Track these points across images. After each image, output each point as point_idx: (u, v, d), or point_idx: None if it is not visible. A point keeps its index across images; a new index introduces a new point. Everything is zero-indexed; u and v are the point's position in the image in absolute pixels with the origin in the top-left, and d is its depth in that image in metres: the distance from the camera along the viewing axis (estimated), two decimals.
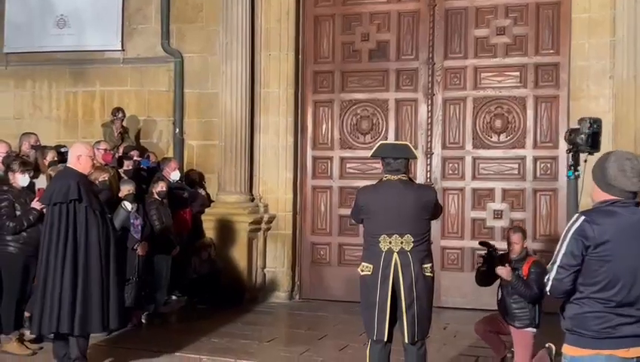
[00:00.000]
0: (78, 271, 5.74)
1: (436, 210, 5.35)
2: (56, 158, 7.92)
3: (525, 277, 6.06)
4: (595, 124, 3.80)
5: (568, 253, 3.30)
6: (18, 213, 6.71)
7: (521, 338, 6.16)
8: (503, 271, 6.03)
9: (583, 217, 3.32)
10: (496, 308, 6.42)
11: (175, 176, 9.06)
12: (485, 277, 6.32)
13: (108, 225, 6.05)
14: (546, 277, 3.40)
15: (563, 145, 7.83)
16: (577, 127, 3.86)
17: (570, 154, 3.81)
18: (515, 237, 6.29)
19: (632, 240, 3.29)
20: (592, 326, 3.29)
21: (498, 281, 6.26)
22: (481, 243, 6.49)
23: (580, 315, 3.32)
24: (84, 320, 5.75)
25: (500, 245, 6.71)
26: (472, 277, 9.03)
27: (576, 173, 3.93)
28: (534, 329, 6.15)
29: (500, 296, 6.27)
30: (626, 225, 3.30)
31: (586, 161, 4.03)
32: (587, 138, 3.75)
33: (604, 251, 3.26)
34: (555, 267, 3.34)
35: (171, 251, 8.48)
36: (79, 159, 5.95)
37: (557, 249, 3.37)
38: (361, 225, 5.47)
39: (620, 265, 3.27)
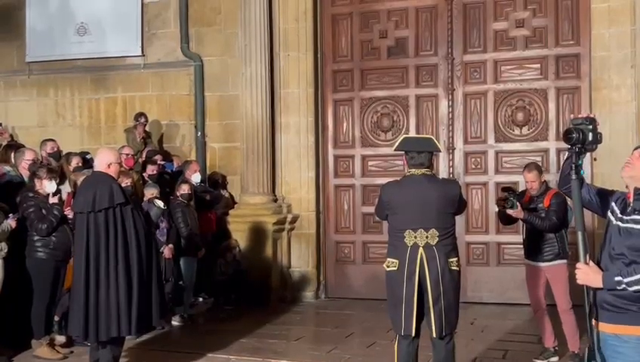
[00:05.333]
0: (132, 273, 5.73)
1: (460, 205, 5.33)
2: (80, 164, 8.01)
3: (547, 209, 6.33)
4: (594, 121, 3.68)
5: None
6: None
7: (555, 272, 6.37)
8: (513, 213, 6.32)
9: None
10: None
11: (196, 178, 9.07)
12: (505, 217, 6.55)
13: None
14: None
15: None
16: (573, 126, 3.67)
17: (576, 155, 3.64)
18: (531, 176, 6.52)
19: None
20: None
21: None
22: (503, 189, 6.71)
23: None
24: (141, 320, 5.78)
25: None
26: (499, 272, 9.17)
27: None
28: (565, 261, 6.36)
29: (524, 236, 6.59)
30: None
31: (595, 159, 3.95)
32: (595, 135, 3.65)
33: None
34: None
35: (197, 253, 8.53)
36: (110, 167, 5.88)
37: None
38: (385, 222, 5.47)
39: None
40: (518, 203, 6.31)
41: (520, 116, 9.26)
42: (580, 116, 3.64)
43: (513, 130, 9.33)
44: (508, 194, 6.38)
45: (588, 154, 3.74)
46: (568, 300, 6.34)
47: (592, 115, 3.63)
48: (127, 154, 8.61)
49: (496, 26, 9.37)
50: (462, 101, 9.48)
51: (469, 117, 9.48)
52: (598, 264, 3.51)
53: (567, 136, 3.58)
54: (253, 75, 9.56)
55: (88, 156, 8.57)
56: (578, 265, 3.46)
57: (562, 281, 6.33)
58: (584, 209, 3.63)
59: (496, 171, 9.37)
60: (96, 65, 10.86)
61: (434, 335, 5.06)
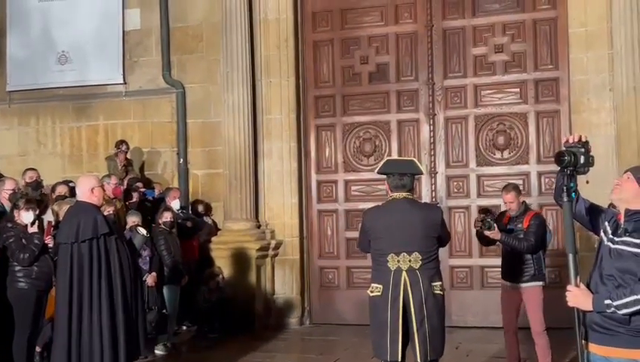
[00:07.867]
0: (116, 304, 5.67)
1: (443, 231, 5.32)
2: (63, 193, 7.95)
3: (525, 230, 6.40)
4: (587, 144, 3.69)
5: None
6: None
7: (530, 294, 6.39)
8: (490, 235, 6.38)
9: None
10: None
11: (175, 205, 9.01)
12: (484, 238, 6.58)
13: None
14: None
15: None
16: (565, 149, 3.65)
17: (567, 177, 3.62)
18: (509, 197, 6.61)
19: None
20: None
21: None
22: (480, 211, 6.80)
23: None
24: (126, 350, 5.71)
25: None
26: (483, 295, 9.16)
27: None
28: (541, 283, 6.42)
29: (502, 256, 6.63)
30: None
31: (587, 182, 3.94)
32: (587, 157, 3.65)
33: None
34: None
35: (180, 281, 8.47)
36: (93, 191, 5.87)
37: None
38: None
39: None
40: (494, 224, 6.35)
41: (501, 140, 9.33)
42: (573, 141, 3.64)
43: (494, 154, 9.39)
44: (485, 215, 6.45)
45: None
46: (542, 322, 6.35)
47: (584, 138, 3.63)
48: (116, 184, 8.55)
49: (475, 51, 9.47)
50: (443, 125, 9.54)
51: (450, 141, 9.54)
52: (588, 284, 3.53)
53: (559, 158, 3.59)
54: (236, 101, 9.58)
55: (72, 184, 8.50)
56: (569, 287, 3.47)
57: (536, 303, 6.35)
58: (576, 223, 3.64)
59: (479, 195, 9.41)
60: (77, 93, 10.84)
61: (419, 360, 5.03)
